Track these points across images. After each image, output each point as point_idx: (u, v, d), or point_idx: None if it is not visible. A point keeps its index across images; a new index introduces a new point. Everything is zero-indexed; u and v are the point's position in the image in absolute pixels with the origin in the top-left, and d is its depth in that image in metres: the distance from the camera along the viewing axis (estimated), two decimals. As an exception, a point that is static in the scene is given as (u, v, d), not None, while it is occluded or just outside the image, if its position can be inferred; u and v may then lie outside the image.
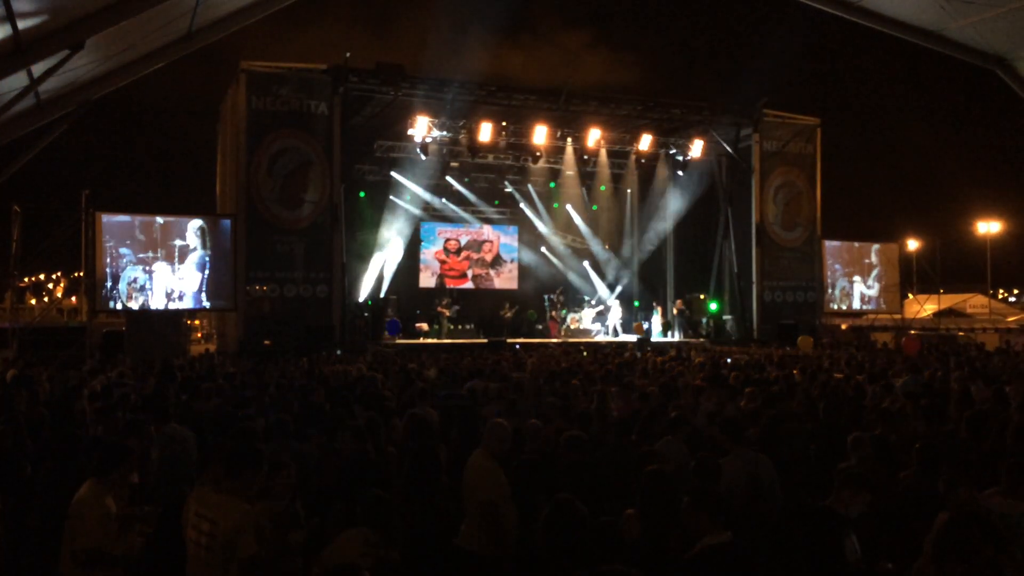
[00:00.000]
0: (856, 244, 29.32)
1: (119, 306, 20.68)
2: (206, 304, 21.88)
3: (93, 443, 6.33)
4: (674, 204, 27.76)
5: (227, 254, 21.43)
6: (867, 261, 29.28)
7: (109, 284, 20.48)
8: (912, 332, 26.16)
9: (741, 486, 5.40)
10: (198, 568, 4.14)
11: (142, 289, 20.84)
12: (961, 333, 27.62)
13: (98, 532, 4.39)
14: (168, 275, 21.13)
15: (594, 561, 3.88)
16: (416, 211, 26.88)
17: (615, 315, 27.66)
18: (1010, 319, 37.04)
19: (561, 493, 4.26)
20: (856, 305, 29.06)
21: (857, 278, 28.83)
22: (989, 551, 3.76)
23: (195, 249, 21.43)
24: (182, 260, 21.25)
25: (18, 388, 10.01)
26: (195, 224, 21.62)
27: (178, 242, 21.30)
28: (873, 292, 29.15)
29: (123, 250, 20.64)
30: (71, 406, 8.68)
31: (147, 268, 20.86)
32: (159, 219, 21.36)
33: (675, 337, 26.58)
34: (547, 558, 3.91)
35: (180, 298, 21.22)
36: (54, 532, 5.20)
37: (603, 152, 26.38)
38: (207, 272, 21.47)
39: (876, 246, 29.50)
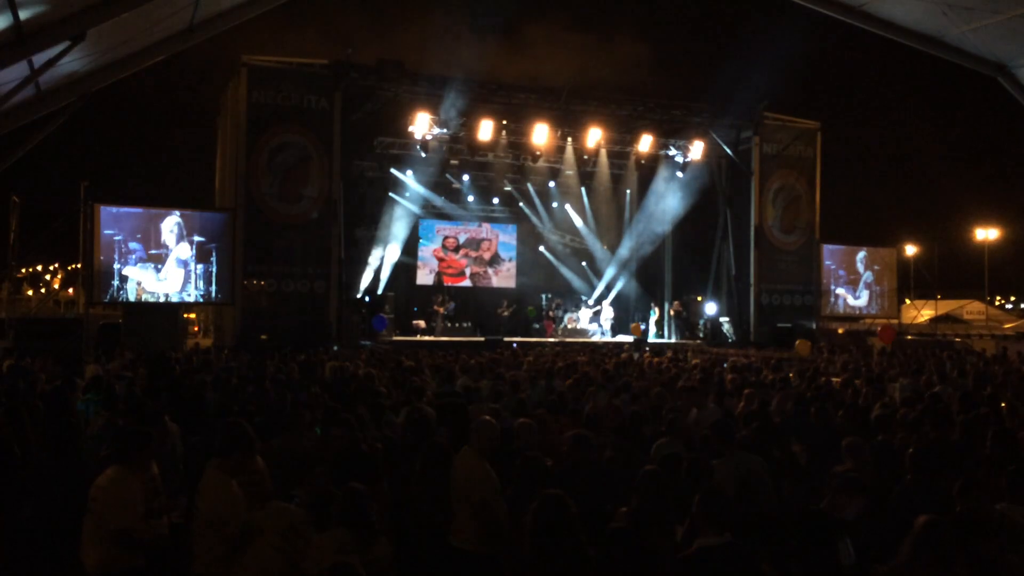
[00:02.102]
0: (854, 248, 29.29)
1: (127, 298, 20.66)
2: (199, 298, 21.82)
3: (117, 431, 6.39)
4: (673, 205, 27.77)
5: (225, 248, 21.40)
6: (857, 267, 29.15)
7: (116, 282, 20.42)
8: (888, 321, 26.00)
9: (731, 488, 5.40)
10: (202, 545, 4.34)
11: (152, 294, 20.86)
12: (958, 339, 27.65)
13: (125, 514, 4.56)
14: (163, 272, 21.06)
15: (582, 556, 3.89)
16: (415, 208, 26.86)
17: (607, 316, 27.68)
18: (1007, 326, 37.10)
19: (551, 489, 4.26)
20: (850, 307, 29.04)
21: (842, 289, 28.72)
22: (965, 555, 3.77)
23: (171, 248, 21.20)
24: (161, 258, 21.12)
25: (14, 378, 10.01)
26: (171, 221, 21.32)
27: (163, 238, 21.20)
28: (861, 303, 29.03)
29: (132, 244, 20.57)
30: (66, 398, 8.64)
31: (158, 266, 20.81)
32: (171, 213, 21.30)
33: (672, 338, 26.60)
34: (536, 553, 3.91)
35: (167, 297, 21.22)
36: (51, 521, 5.23)
37: (603, 152, 26.36)
38: (192, 268, 21.30)
39: (862, 253, 29.34)
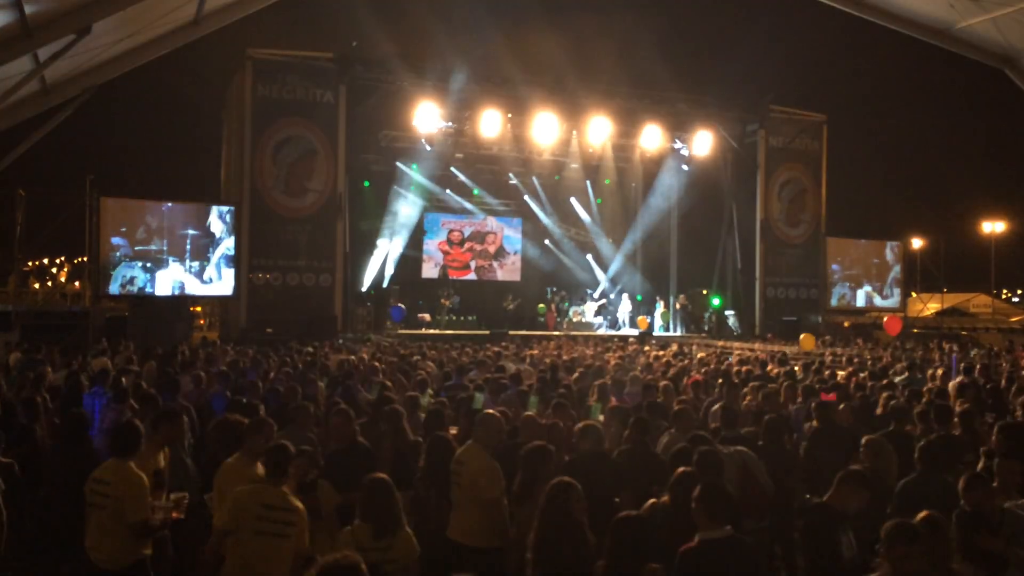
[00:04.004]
0: (861, 241, 29.21)
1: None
2: (213, 292, 21.88)
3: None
4: (678, 199, 27.72)
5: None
6: (876, 261, 29.04)
7: (116, 282, 20.35)
8: (895, 314, 25.90)
9: (734, 479, 5.41)
10: (269, 554, 4.39)
11: (140, 291, 20.59)
12: (964, 332, 27.58)
13: (142, 506, 4.71)
14: (178, 270, 20.83)
15: (585, 542, 3.92)
16: (420, 201, 26.86)
17: (624, 308, 27.64)
18: (1013, 319, 36.98)
19: (561, 477, 4.30)
20: (860, 304, 28.98)
21: (868, 285, 28.59)
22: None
23: (221, 239, 21.14)
24: (199, 253, 20.97)
25: (23, 371, 10.05)
26: (219, 209, 21.35)
27: (190, 231, 21.01)
28: (890, 303, 28.97)
29: (115, 240, 20.25)
30: (73, 391, 8.68)
31: (145, 264, 20.48)
32: (167, 205, 21.11)
33: (677, 332, 26.59)
34: (543, 537, 3.96)
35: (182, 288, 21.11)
36: (61, 510, 5.27)
37: (608, 145, 26.30)
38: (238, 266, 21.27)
39: (892, 243, 29.32)
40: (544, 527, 4.05)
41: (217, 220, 21.27)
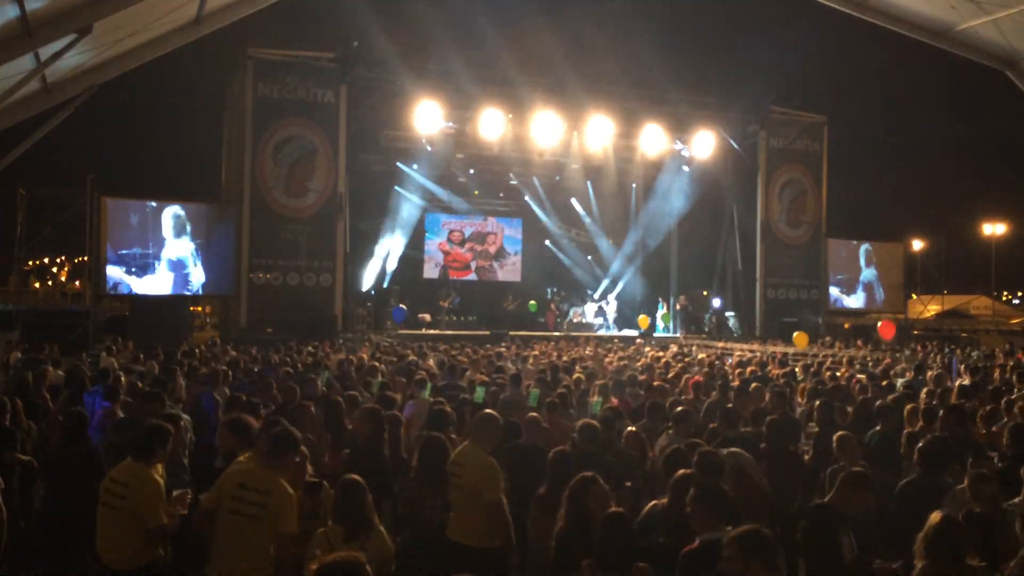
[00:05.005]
0: (854, 243, 29.11)
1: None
2: (202, 291, 21.84)
3: (127, 425, 6.39)
4: (679, 199, 27.70)
5: (231, 241, 21.42)
6: (857, 264, 28.84)
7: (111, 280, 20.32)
8: (889, 317, 25.79)
9: (729, 480, 5.40)
10: (240, 534, 4.26)
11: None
12: (964, 334, 27.54)
13: (160, 511, 4.60)
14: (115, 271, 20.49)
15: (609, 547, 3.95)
16: (421, 202, 26.83)
17: (612, 311, 27.64)
18: (1013, 321, 36.95)
19: (584, 473, 4.37)
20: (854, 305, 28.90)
21: (835, 287, 28.37)
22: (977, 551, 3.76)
23: (167, 242, 20.78)
24: (144, 254, 20.67)
25: (24, 371, 10.05)
26: (169, 212, 20.96)
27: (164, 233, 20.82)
28: (857, 303, 28.85)
29: (131, 238, 20.28)
30: (74, 390, 8.67)
31: (147, 265, 20.47)
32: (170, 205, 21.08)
33: (677, 332, 26.57)
34: (568, 529, 4.08)
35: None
36: (60, 510, 5.27)
37: (609, 147, 26.28)
38: (190, 268, 21.05)
39: (865, 246, 28.98)
40: (566, 522, 4.22)
41: (167, 227, 20.86)
